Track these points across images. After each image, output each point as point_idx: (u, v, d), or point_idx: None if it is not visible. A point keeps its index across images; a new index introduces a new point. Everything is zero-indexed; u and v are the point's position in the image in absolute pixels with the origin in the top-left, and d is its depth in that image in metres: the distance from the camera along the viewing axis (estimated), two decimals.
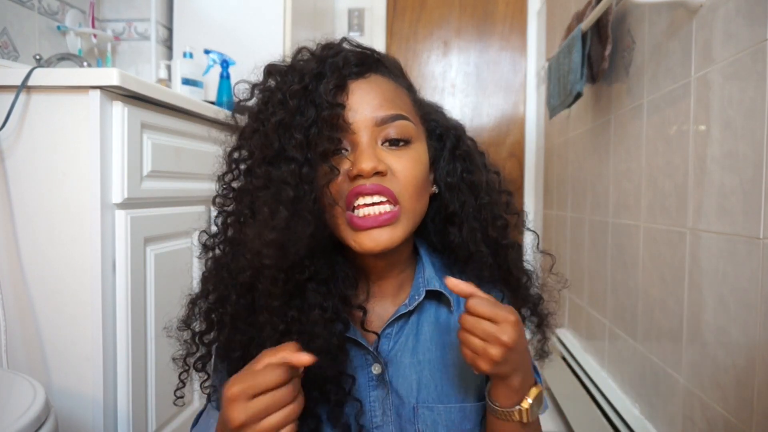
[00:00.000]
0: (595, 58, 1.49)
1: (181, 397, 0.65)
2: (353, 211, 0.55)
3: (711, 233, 0.96)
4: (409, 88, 0.65)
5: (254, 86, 0.60)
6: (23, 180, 1.02)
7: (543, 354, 0.69)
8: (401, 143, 0.57)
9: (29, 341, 1.03)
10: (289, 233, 0.52)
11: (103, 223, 1.01)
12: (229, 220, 0.60)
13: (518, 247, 0.66)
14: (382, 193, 0.54)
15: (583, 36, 1.44)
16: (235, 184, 0.60)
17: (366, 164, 0.53)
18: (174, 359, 0.63)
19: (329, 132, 0.54)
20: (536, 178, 2.63)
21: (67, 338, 1.02)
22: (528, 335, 0.70)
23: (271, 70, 0.59)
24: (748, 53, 0.85)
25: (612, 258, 1.48)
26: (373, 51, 0.61)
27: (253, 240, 0.54)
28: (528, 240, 0.70)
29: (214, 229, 0.62)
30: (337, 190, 0.55)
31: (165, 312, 1.13)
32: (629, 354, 1.34)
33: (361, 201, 0.54)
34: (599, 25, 1.41)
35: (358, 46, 0.61)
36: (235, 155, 0.60)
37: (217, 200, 0.62)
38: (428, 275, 0.64)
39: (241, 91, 0.61)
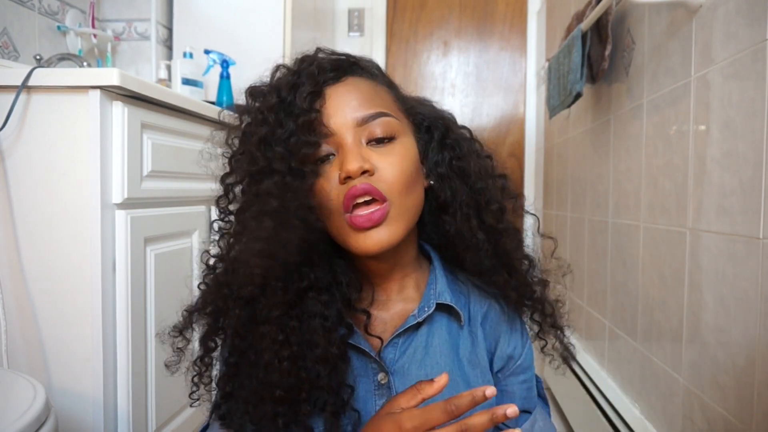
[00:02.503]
0: (595, 58, 1.49)
1: (197, 399, 0.64)
2: (351, 212, 0.55)
3: (711, 233, 0.96)
4: (390, 86, 0.64)
5: (240, 111, 0.60)
6: (23, 180, 1.02)
7: (568, 357, 0.68)
8: (386, 140, 0.57)
9: (29, 341, 1.03)
10: (276, 241, 0.53)
11: (103, 223, 1.01)
12: (229, 241, 0.60)
13: (516, 232, 0.64)
14: (370, 192, 0.54)
15: (583, 36, 1.44)
16: (231, 207, 0.61)
17: (352, 165, 0.53)
18: (167, 365, 0.63)
19: (306, 136, 0.54)
20: (536, 178, 2.63)
21: (67, 338, 1.02)
22: (538, 345, 0.68)
23: (252, 92, 0.59)
24: (748, 53, 0.85)
25: (612, 258, 1.48)
26: (348, 56, 0.61)
27: (243, 252, 0.55)
28: (528, 224, 0.68)
29: (215, 250, 0.62)
30: (330, 196, 0.55)
31: (165, 312, 1.13)
32: (629, 354, 1.34)
33: (359, 200, 0.54)
34: (599, 25, 1.41)
35: (333, 53, 0.61)
36: (228, 180, 0.60)
37: (215, 224, 0.62)
38: (440, 288, 0.63)
39: (231, 115, 0.62)
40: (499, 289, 0.64)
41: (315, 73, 0.56)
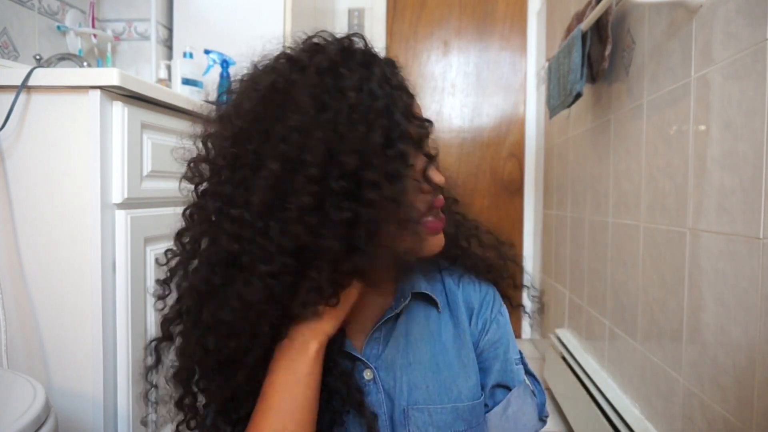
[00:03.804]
0: (595, 58, 1.49)
1: None
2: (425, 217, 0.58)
3: (711, 233, 0.96)
4: None
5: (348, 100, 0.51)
6: (23, 180, 1.02)
7: (537, 309, 0.72)
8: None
9: (29, 341, 1.03)
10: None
11: (103, 223, 1.01)
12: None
13: (475, 221, 0.71)
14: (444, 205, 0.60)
15: (583, 36, 1.44)
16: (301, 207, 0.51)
17: (441, 177, 0.57)
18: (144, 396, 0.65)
19: (427, 150, 0.56)
20: (536, 178, 2.63)
21: (67, 338, 1.02)
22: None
23: (333, 70, 0.52)
24: (748, 53, 0.85)
25: (612, 258, 1.48)
26: None
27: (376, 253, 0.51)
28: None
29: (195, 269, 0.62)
30: (415, 203, 0.57)
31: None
32: (629, 354, 1.34)
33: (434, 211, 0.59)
34: (599, 25, 1.41)
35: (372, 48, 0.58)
36: (312, 171, 0.49)
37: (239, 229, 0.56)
38: (414, 278, 0.65)
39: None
40: (466, 267, 0.69)
41: (400, 79, 0.56)
